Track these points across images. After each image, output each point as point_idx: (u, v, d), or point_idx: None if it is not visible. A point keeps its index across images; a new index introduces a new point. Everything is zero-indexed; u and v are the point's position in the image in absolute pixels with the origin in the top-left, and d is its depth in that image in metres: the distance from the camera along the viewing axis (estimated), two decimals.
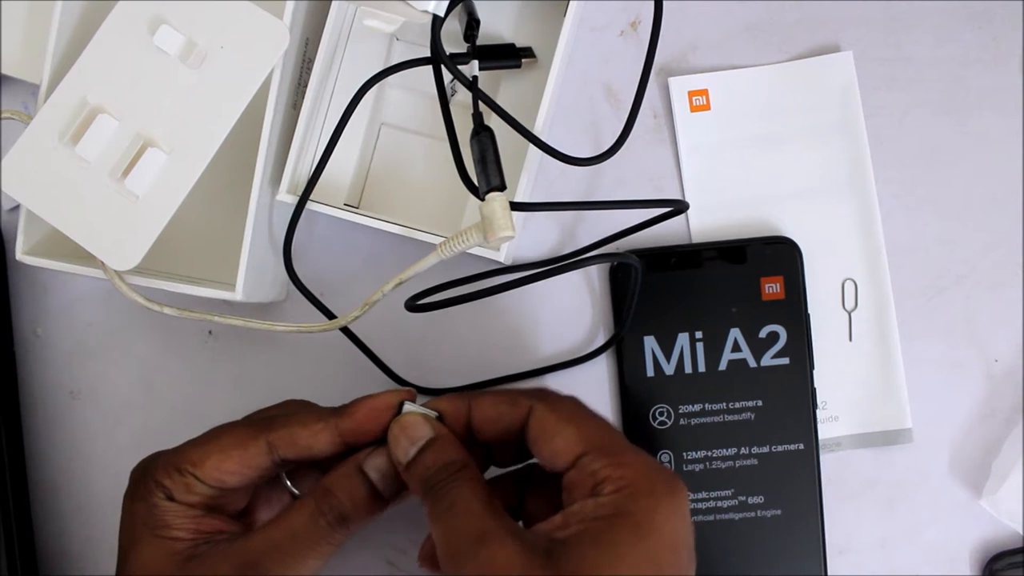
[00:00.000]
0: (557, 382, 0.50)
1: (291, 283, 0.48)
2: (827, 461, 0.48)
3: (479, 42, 0.46)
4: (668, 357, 0.48)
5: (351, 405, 0.40)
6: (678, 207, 0.44)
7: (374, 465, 0.39)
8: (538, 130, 0.44)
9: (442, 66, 0.44)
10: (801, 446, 0.48)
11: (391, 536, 0.49)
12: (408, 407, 0.40)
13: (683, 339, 0.48)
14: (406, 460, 0.38)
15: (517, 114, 0.42)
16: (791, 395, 0.48)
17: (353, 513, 0.39)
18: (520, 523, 0.41)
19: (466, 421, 0.40)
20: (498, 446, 0.41)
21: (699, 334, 0.48)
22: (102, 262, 0.43)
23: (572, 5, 0.44)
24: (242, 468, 0.39)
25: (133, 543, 0.39)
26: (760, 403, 0.48)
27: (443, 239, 0.43)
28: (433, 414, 0.40)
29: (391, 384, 0.50)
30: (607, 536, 0.34)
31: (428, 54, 0.44)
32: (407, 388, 0.43)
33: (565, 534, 0.35)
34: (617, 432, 0.38)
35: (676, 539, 0.35)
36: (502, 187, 0.41)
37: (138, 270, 0.43)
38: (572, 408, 0.39)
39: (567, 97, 0.50)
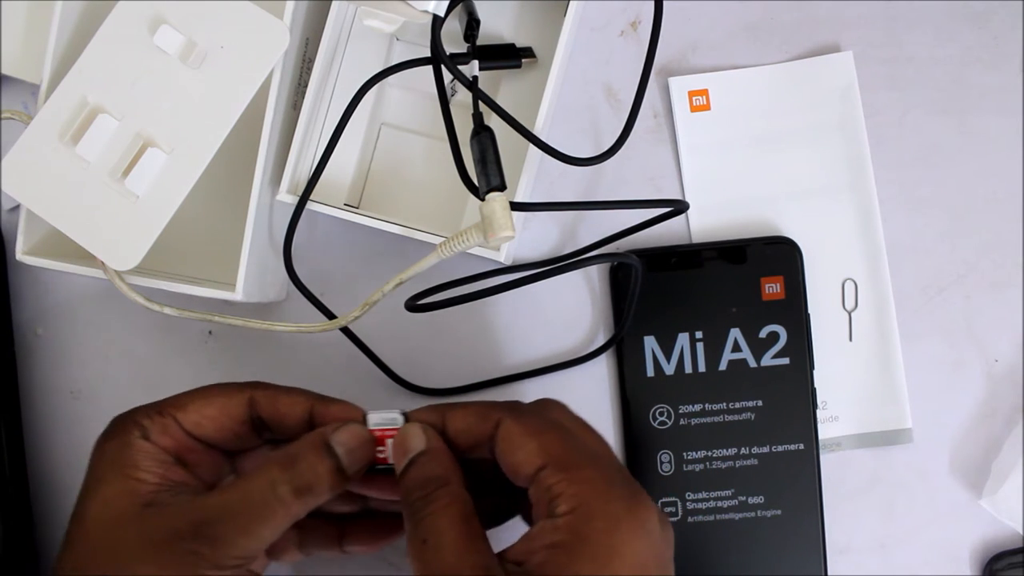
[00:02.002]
0: (557, 382, 0.50)
1: (291, 283, 0.48)
2: (827, 461, 0.48)
3: (479, 42, 0.46)
4: (668, 357, 0.48)
5: (338, 399, 0.41)
6: (678, 207, 0.44)
7: (340, 440, 0.38)
8: (538, 130, 0.44)
9: (442, 66, 0.44)
10: (801, 446, 0.48)
11: None
12: (375, 416, 0.39)
13: (683, 339, 0.48)
14: (398, 473, 0.38)
15: (517, 114, 0.42)
16: (791, 395, 0.48)
17: (315, 485, 0.37)
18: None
19: (440, 434, 0.39)
20: (477, 461, 0.40)
21: (699, 334, 0.48)
22: (102, 262, 0.43)
23: (572, 5, 0.44)
24: (221, 415, 0.39)
25: (97, 481, 0.38)
26: (760, 403, 0.48)
27: (443, 239, 0.43)
28: (399, 420, 0.39)
29: (391, 384, 0.50)
30: (567, 568, 0.33)
31: (428, 54, 0.44)
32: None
33: (529, 566, 0.34)
34: (584, 444, 0.37)
35: (641, 561, 0.34)
36: (502, 187, 0.41)
37: (138, 270, 0.43)
38: (541, 421, 0.37)
39: (567, 97, 0.50)
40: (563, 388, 0.50)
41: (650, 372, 0.48)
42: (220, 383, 0.41)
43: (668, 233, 0.50)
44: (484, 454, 0.38)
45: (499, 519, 0.42)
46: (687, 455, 0.48)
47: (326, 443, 0.38)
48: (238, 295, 0.44)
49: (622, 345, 0.49)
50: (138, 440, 0.38)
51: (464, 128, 0.43)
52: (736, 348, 0.48)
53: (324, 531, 0.43)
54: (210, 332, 0.51)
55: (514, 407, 0.38)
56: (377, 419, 0.39)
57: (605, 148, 0.43)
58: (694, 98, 0.50)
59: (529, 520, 0.41)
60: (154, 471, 0.38)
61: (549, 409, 0.40)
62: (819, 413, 0.48)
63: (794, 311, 0.48)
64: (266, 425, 0.40)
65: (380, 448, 0.39)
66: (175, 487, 0.38)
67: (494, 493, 0.40)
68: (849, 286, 0.49)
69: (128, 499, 0.37)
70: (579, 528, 0.33)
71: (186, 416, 0.39)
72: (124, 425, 0.39)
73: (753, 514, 0.48)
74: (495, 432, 0.37)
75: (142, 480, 0.37)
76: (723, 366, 0.48)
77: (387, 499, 0.42)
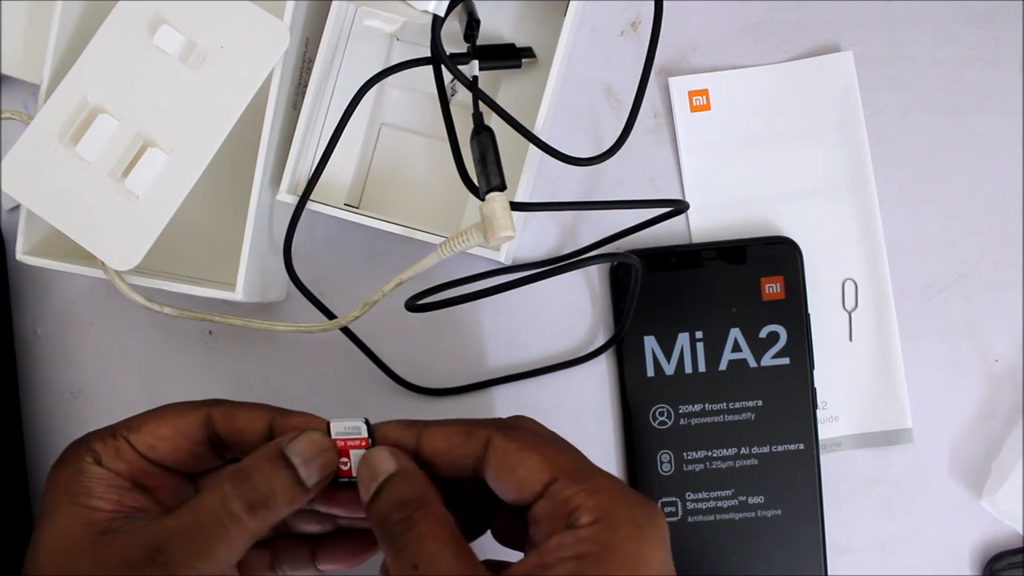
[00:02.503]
0: (557, 382, 0.50)
1: (291, 283, 0.48)
2: (827, 461, 0.48)
3: (479, 42, 0.46)
4: (668, 357, 0.48)
5: (299, 411, 0.39)
6: (678, 207, 0.44)
7: (297, 449, 0.36)
8: (538, 130, 0.44)
9: (442, 66, 0.44)
10: (801, 446, 0.48)
11: None
12: (337, 425, 0.37)
13: (683, 339, 0.48)
14: (367, 499, 0.36)
15: (517, 114, 0.42)
16: (791, 395, 0.48)
17: (271, 500, 0.35)
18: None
19: (414, 453, 0.37)
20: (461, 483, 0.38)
21: (699, 334, 0.48)
22: (102, 262, 0.43)
23: (572, 5, 0.44)
24: (176, 436, 0.38)
25: (50, 511, 0.36)
26: (760, 403, 0.48)
27: (443, 239, 0.43)
28: (362, 428, 0.37)
29: (391, 384, 0.50)
30: None
31: (428, 54, 0.44)
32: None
33: None
34: (584, 456, 0.36)
35: (663, 566, 0.33)
36: (502, 187, 0.41)
37: (138, 270, 0.43)
38: (532, 435, 0.36)
39: (567, 97, 0.50)
40: (563, 388, 0.50)
41: (650, 372, 0.48)
42: (176, 402, 0.39)
43: (668, 233, 0.50)
44: (464, 475, 0.36)
45: (471, 535, 0.40)
46: (687, 455, 0.48)
47: (281, 453, 0.36)
48: (238, 295, 0.44)
49: (622, 345, 0.49)
50: (90, 466, 0.37)
51: (464, 128, 0.43)
52: (736, 348, 0.48)
53: (296, 551, 0.41)
54: (210, 332, 0.51)
55: (499, 424, 0.37)
56: (340, 428, 0.37)
57: (605, 148, 0.43)
58: (694, 98, 0.50)
59: (505, 538, 0.39)
60: (108, 497, 0.36)
61: (527, 423, 0.39)
62: (819, 413, 0.48)
63: (794, 311, 0.48)
64: (226, 444, 0.39)
65: (343, 460, 0.37)
66: (132, 513, 0.36)
67: (466, 510, 0.38)
68: (849, 286, 0.49)
69: (81, 529, 0.35)
70: (606, 538, 0.32)
71: (140, 438, 0.37)
72: (76, 451, 0.37)
73: (753, 514, 0.48)
74: (484, 451, 0.36)
75: (96, 508, 0.36)
76: (723, 366, 0.48)
77: (355, 516, 0.40)
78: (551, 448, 0.35)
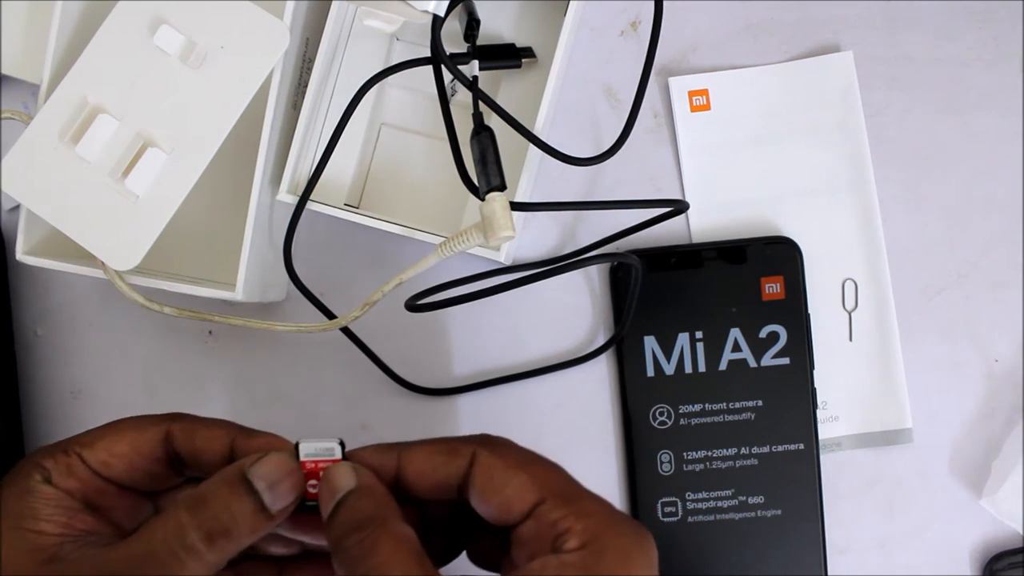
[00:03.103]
0: (557, 382, 0.50)
1: (291, 283, 0.48)
2: (827, 461, 0.48)
3: (479, 42, 0.46)
4: (668, 357, 0.48)
5: (263, 432, 0.36)
6: (678, 207, 0.44)
7: (261, 472, 0.33)
8: (538, 130, 0.44)
9: (442, 66, 0.44)
10: (801, 446, 0.48)
11: None
12: (308, 445, 0.34)
13: (683, 339, 0.48)
14: (325, 518, 0.33)
15: (517, 114, 0.42)
16: (791, 395, 0.48)
17: (232, 529, 0.32)
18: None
19: (395, 476, 0.34)
20: (432, 504, 0.36)
21: (699, 334, 0.48)
22: (102, 262, 0.43)
23: (572, 5, 0.44)
24: (132, 452, 0.35)
25: None
26: (760, 403, 0.48)
27: (443, 239, 0.43)
28: (336, 450, 0.34)
29: (391, 384, 0.50)
30: None
31: (428, 54, 0.44)
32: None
33: None
34: (571, 476, 0.34)
35: None
36: (502, 187, 0.41)
37: (138, 270, 0.43)
38: (520, 453, 0.34)
39: (567, 97, 0.50)
40: (563, 388, 0.50)
41: (650, 372, 0.48)
42: (134, 416, 0.36)
43: (668, 233, 0.50)
44: (448, 496, 0.34)
45: (444, 559, 0.38)
46: (687, 455, 0.48)
47: (243, 477, 0.33)
48: (238, 295, 0.44)
49: (622, 345, 0.49)
50: (39, 485, 0.34)
51: (464, 128, 0.43)
52: (736, 348, 0.48)
53: (262, 574, 0.38)
54: (210, 332, 0.51)
55: (484, 440, 0.35)
56: (310, 449, 0.34)
57: (605, 148, 0.43)
58: (694, 98, 0.50)
59: (482, 559, 0.37)
60: (56, 520, 0.33)
61: (502, 443, 0.36)
62: (819, 413, 0.48)
63: (794, 311, 0.48)
64: (185, 462, 0.36)
65: (313, 483, 0.34)
66: (81, 537, 0.33)
67: (441, 532, 0.37)
68: (849, 286, 0.49)
69: (26, 556, 0.32)
70: (592, 564, 0.31)
71: (93, 454, 0.34)
72: (24, 469, 0.34)
73: (753, 514, 0.48)
74: (470, 469, 0.34)
75: (42, 532, 0.33)
76: (723, 366, 0.48)
77: (324, 544, 0.36)
78: (539, 467, 0.34)
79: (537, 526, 0.32)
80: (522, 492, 0.33)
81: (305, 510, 0.34)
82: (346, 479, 0.33)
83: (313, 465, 0.34)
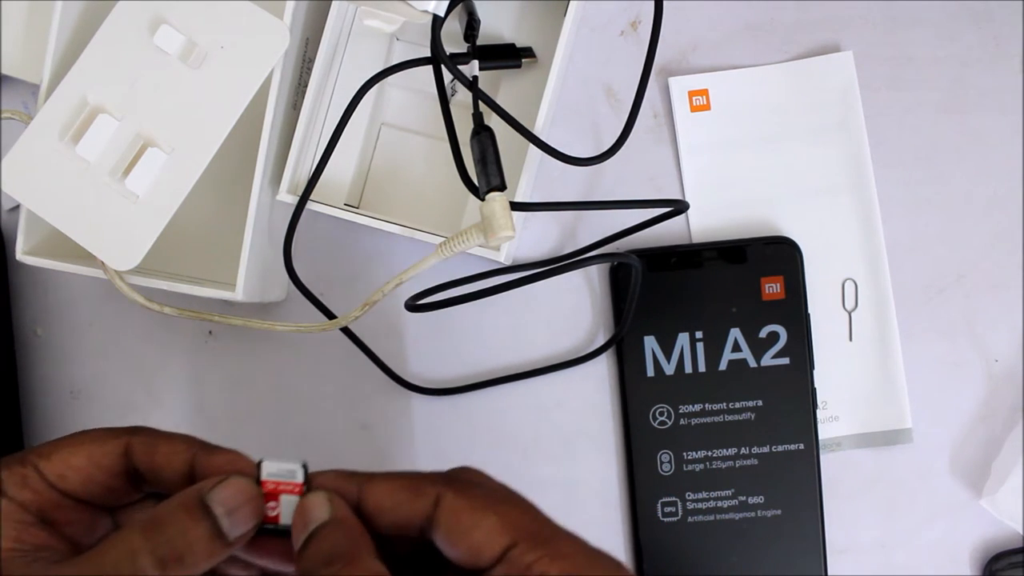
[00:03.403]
0: (557, 382, 0.50)
1: (291, 283, 0.48)
2: (827, 461, 0.48)
3: (479, 42, 0.46)
4: (668, 357, 0.48)
5: (226, 448, 0.35)
6: (678, 207, 0.44)
7: (220, 497, 0.32)
8: (538, 130, 0.44)
9: (442, 66, 0.44)
10: (801, 446, 0.48)
11: None
12: (270, 465, 0.33)
13: (683, 339, 0.48)
14: (296, 550, 0.32)
15: (517, 114, 0.42)
16: (791, 395, 0.48)
17: (186, 555, 0.31)
18: None
19: (355, 507, 0.33)
20: (398, 540, 0.34)
21: (699, 334, 0.48)
22: (102, 262, 0.43)
23: (572, 5, 0.44)
24: (89, 465, 0.34)
25: None
26: (760, 403, 0.48)
27: (443, 239, 0.43)
28: (298, 473, 0.33)
29: (391, 384, 0.50)
30: None
31: (428, 54, 0.44)
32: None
33: None
34: (543, 514, 0.33)
35: None
36: (502, 187, 0.41)
37: (138, 270, 0.43)
38: (487, 492, 0.33)
39: (567, 97, 0.50)
40: (563, 388, 0.50)
41: (650, 372, 0.48)
42: (95, 428, 0.35)
43: (668, 233, 0.50)
44: (410, 534, 0.33)
45: None
46: (687, 455, 0.48)
47: (201, 502, 0.32)
48: (238, 295, 0.44)
49: (622, 345, 0.49)
50: None
51: (464, 128, 0.43)
52: (736, 348, 0.48)
53: None
54: (210, 332, 0.51)
55: (449, 478, 0.33)
56: (272, 469, 0.33)
57: (605, 148, 0.43)
58: (694, 98, 0.50)
59: None
60: (7, 535, 0.32)
61: (474, 476, 0.35)
62: (819, 413, 0.48)
63: (794, 311, 0.48)
64: (144, 478, 0.34)
65: (272, 504, 0.33)
66: (31, 552, 0.32)
67: (409, 570, 0.35)
68: (849, 286, 0.49)
69: None
70: None
71: (50, 466, 0.33)
72: None
73: (753, 514, 0.48)
74: (434, 511, 0.32)
75: None
76: (723, 366, 0.48)
77: (282, 570, 0.35)
78: (509, 507, 0.32)
79: (510, 570, 0.31)
80: (491, 536, 0.31)
81: (264, 533, 0.33)
82: (320, 510, 0.32)
83: (274, 486, 0.33)
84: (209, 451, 0.34)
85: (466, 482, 0.33)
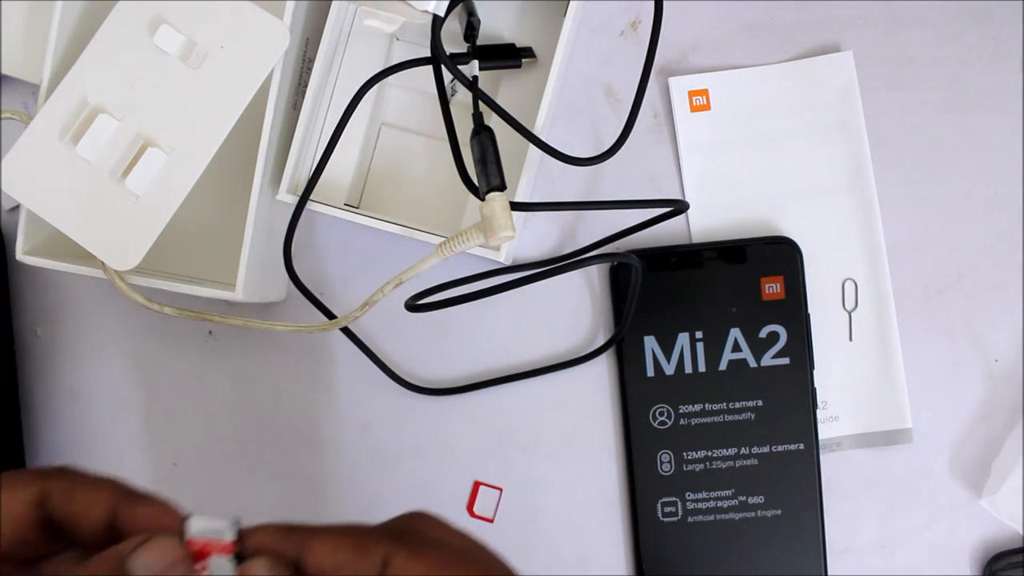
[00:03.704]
0: (557, 382, 0.49)
1: (291, 283, 0.48)
2: (827, 461, 0.48)
3: (479, 42, 0.46)
4: (668, 357, 0.48)
5: (151, 497, 0.31)
6: (678, 207, 0.44)
7: (145, 561, 0.29)
8: (538, 130, 0.44)
9: (442, 66, 0.44)
10: (801, 446, 0.48)
11: None
12: (198, 522, 0.30)
13: (683, 339, 0.48)
14: None
15: (517, 114, 0.42)
16: (791, 395, 0.48)
17: None
18: None
19: (294, 567, 0.30)
20: None
21: (699, 334, 0.48)
22: (102, 262, 0.43)
23: (572, 5, 0.44)
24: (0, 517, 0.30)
25: None
26: (760, 403, 0.48)
27: (443, 239, 0.43)
28: (227, 532, 0.30)
29: (391, 384, 0.50)
30: None
31: (428, 54, 0.44)
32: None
33: None
34: (510, 568, 0.31)
35: None
36: (502, 187, 0.41)
37: (138, 270, 0.44)
38: (443, 551, 0.30)
39: (567, 97, 0.50)
40: (563, 388, 0.50)
41: (650, 372, 0.48)
42: (10, 472, 0.32)
43: (668, 233, 0.50)
44: None
45: None
46: (687, 455, 0.48)
47: (121, 563, 0.29)
48: (238, 295, 0.44)
49: (622, 345, 0.49)
50: None
51: (464, 128, 0.43)
52: (736, 348, 0.48)
53: None
54: (210, 332, 0.51)
55: (397, 534, 0.30)
56: (200, 526, 0.30)
57: (605, 148, 0.43)
58: (694, 98, 0.50)
59: None
60: None
61: (429, 527, 0.32)
62: (819, 413, 0.48)
63: (794, 311, 0.48)
64: (61, 529, 0.31)
65: (200, 565, 0.30)
66: None
67: None
68: (849, 286, 0.49)
69: None
70: None
71: None
72: None
73: (753, 514, 0.48)
74: (382, 573, 0.29)
75: None
76: (723, 366, 0.48)
77: None
78: (467, 568, 0.29)
79: None
80: None
81: None
82: None
83: (203, 545, 0.30)
84: (132, 501, 0.31)
85: (419, 537, 0.30)
